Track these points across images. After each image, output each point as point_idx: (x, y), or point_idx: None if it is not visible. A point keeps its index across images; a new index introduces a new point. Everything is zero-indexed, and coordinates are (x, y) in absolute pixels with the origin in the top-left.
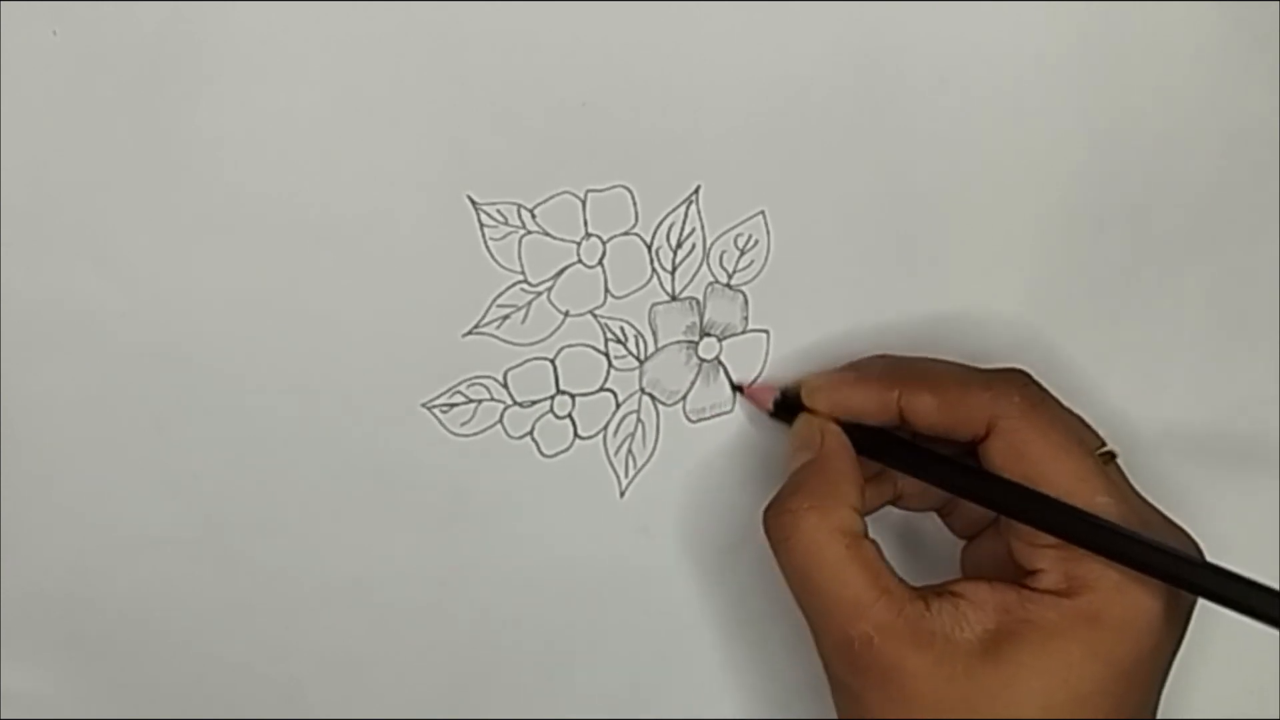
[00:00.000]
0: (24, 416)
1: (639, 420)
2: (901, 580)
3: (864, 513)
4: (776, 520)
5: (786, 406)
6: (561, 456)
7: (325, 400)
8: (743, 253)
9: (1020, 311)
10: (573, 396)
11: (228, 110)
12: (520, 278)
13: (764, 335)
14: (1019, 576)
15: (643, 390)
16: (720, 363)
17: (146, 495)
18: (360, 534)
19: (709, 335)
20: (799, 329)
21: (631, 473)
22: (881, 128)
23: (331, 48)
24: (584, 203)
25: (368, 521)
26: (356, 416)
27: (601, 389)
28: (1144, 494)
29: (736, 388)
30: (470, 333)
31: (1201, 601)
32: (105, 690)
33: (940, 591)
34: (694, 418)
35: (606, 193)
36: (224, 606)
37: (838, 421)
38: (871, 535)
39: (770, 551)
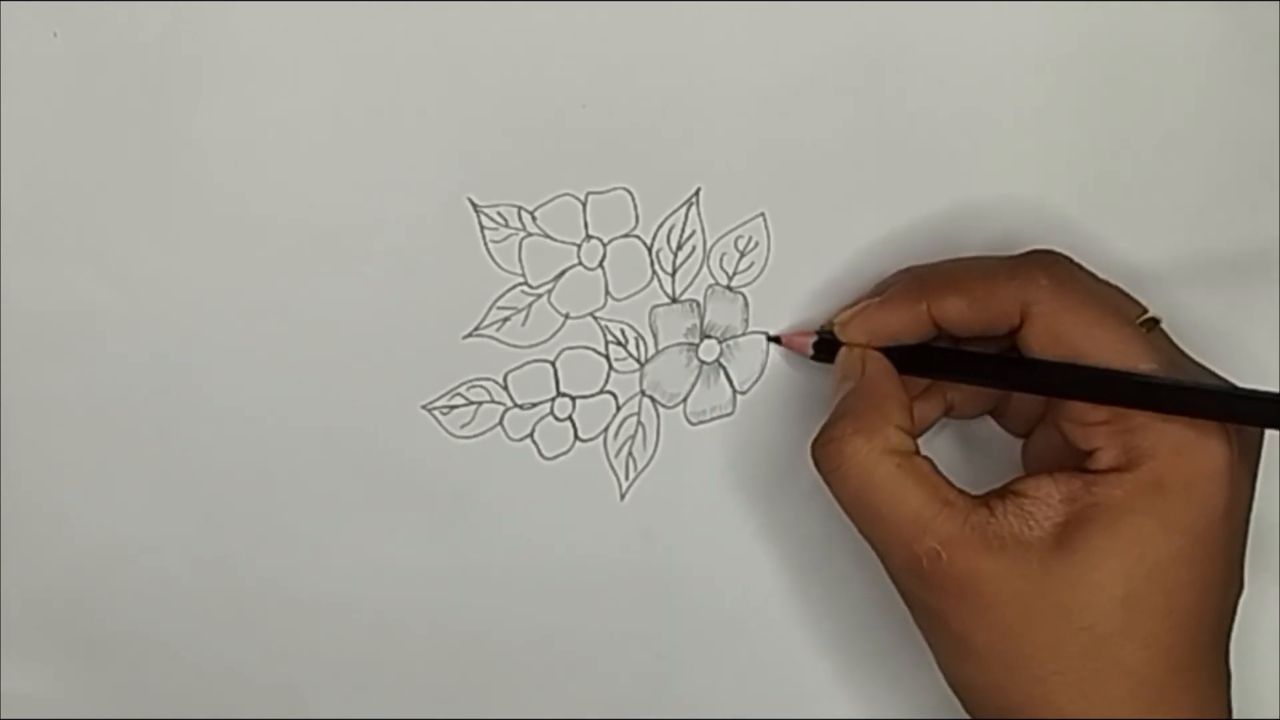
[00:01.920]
0: (24, 419)
1: (639, 423)
2: (961, 490)
3: (915, 431)
4: (824, 450)
5: (825, 346)
6: (562, 459)
7: (325, 402)
8: (743, 255)
9: None
10: (573, 399)
11: (228, 113)
12: (521, 280)
13: (765, 337)
14: (1079, 461)
15: (643, 393)
16: (721, 365)
17: (146, 498)
18: (360, 536)
19: (709, 337)
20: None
21: (632, 475)
22: (881, 130)
23: (332, 51)
24: (584, 205)
25: (368, 523)
26: (357, 418)
27: (602, 391)
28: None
29: (774, 339)
30: (471, 335)
31: None
32: (105, 692)
33: (1003, 494)
34: (695, 420)
35: (607, 195)
36: (224, 609)
37: (878, 348)
38: (925, 453)
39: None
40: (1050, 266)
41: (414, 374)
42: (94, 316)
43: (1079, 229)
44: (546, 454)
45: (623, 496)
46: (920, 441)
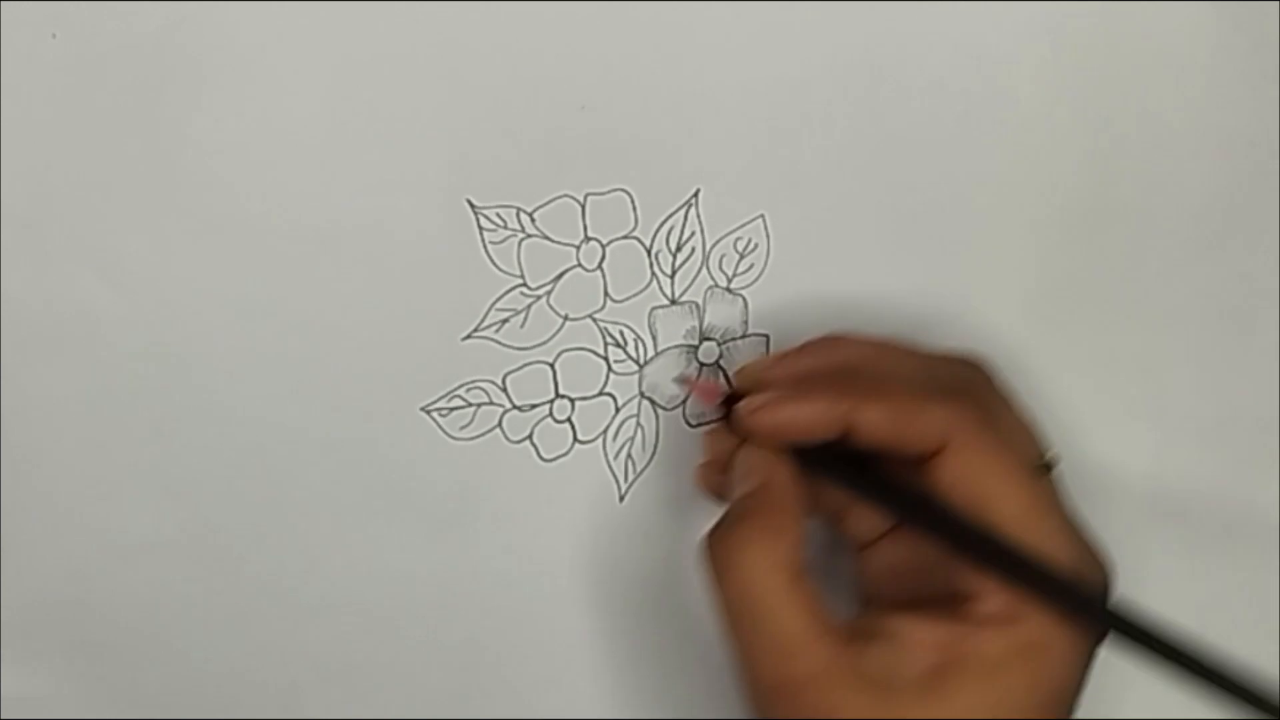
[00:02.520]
0: (24, 421)
1: (639, 424)
2: (838, 621)
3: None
4: (718, 549)
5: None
6: (561, 460)
7: (324, 404)
8: (742, 256)
9: (1020, 314)
10: (572, 400)
11: (227, 114)
12: (519, 281)
13: (764, 339)
14: (943, 591)
15: (642, 394)
16: (720, 367)
17: (146, 500)
18: (359, 537)
19: (709, 339)
20: (799, 333)
21: (631, 477)
22: (881, 131)
23: (331, 52)
24: (583, 206)
25: (367, 525)
26: (356, 420)
27: (601, 393)
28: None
29: (682, 381)
30: (469, 336)
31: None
32: (105, 693)
33: (875, 630)
34: (694, 422)
35: (606, 196)
36: (223, 610)
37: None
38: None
39: None
40: (980, 403)
41: (413, 375)
42: (93, 316)
43: (1079, 229)
44: (545, 455)
45: (622, 498)
46: None
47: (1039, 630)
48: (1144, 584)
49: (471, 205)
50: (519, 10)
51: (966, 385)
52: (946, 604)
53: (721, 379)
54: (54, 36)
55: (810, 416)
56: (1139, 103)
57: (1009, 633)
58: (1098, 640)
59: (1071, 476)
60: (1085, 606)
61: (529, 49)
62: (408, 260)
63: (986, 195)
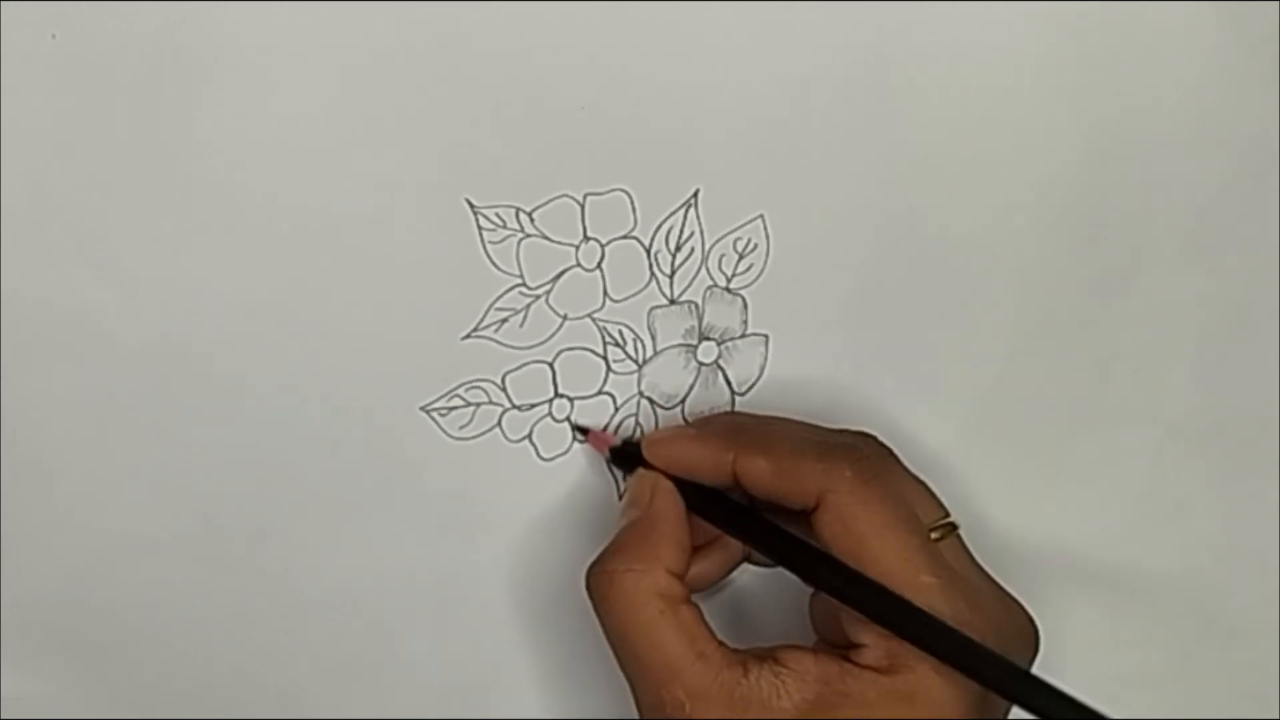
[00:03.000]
0: (24, 419)
1: (638, 424)
2: (722, 645)
3: (704, 582)
4: (595, 580)
5: (626, 456)
6: (560, 460)
7: (324, 403)
8: (742, 256)
9: (1020, 314)
10: (571, 400)
11: (226, 113)
12: (519, 281)
13: (763, 339)
14: (845, 645)
15: (641, 394)
16: (719, 366)
17: (146, 499)
18: (359, 536)
19: (708, 339)
20: (798, 333)
21: (630, 476)
22: (880, 131)
23: (330, 51)
24: (582, 206)
25: (367, 524)
26: (355, 419)
27: (600, 392)
28: (986, 567)
29: (580, 430)
30: (469, 336)
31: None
32: (105, 693)
33: (764, 657)
34: (693, 421)
35: (605, 196)
36: (223, 609)
37: (677, 479)
38: (694, 600)
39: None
40: (857, 461)
41: (412, 375)
42: (94, 316)
43: (1078, 229)
44: (544, 455)
45: (621, 497)
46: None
47: (915, 681)
48: (1144, 584)
49: (471, 205)
50: (519, 10)
51: (848, 448)
52: (843, 650)
53: (611, 408)
54: (54, 37)
55: (701, 456)
56: (1139, 102)
57: (885, 680)
58: (994, 702)
59: (1071, 475)
60: (944, 651)
61: (529, 49)
62: (407, 260)
63: (986, 194)
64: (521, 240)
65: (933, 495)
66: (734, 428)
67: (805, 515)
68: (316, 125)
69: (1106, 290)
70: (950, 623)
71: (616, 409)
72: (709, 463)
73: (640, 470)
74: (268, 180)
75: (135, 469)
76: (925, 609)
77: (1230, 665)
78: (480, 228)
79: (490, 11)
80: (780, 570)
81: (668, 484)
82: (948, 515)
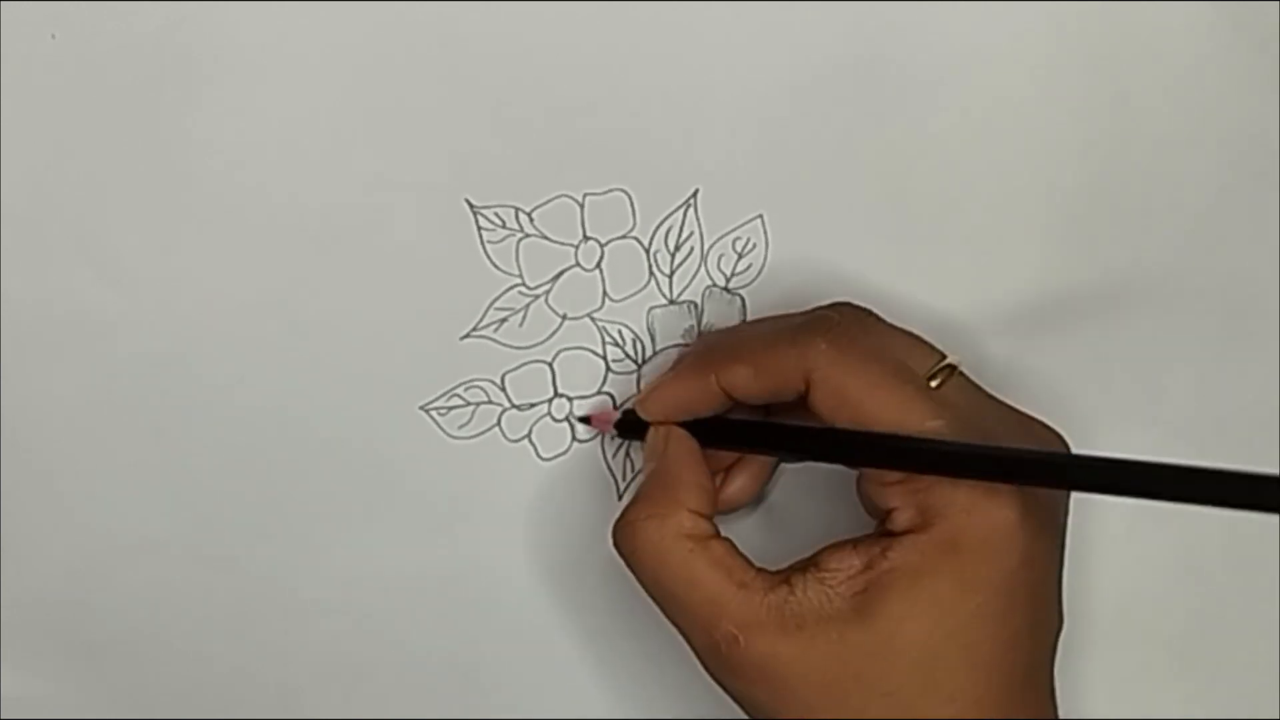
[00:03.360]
0: (23, 421)
1: None
2: (761, 570)
3: (712, 511)
4: (621, 534)
5: (632, 426)
6: (559, 459)
7: (323, 403)
8: (741, 256)
9: (1020, 314)
10: (571, 399)
11: (226, 114)
12: (518, 281)
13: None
14: (881, 519)
15: (617, 406)
16: None
17: (145, 499)
18: (358, 536)
19: None
20: None
21: (630, 476)
22: (880, 131)
23: (330, 52)
24: (582, 206)
25: (366, 524)
26: (355, 419)
27: (599, 392)
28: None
29: (582, 420)
30: (468, 335)
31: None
32: (105, 693)
33: (805, 567)
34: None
35: (604, 196)
36: (222, 610)
37: (683, 424)
38: (725, 534)
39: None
40: (831, 330)
41: (412, 374)
42: (94, 317)
43: (1078, 229)
44: (544, 454)
45: (620, 497)
46: (777, 485)
47: (952, 528)
48: (1143, 583)
49: (470, 205)
50: (519, 10)
51: (819, 322)
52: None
53: (610, 405)
54: (53, 37)
55: (686, 391)
56: (1139, 102)
57: (923, 538)
58: (1038, 514)
59: None
60: (984, 466)
61: (529, 49)
62: (407, 260)
63: (986, 195)
64: (521, 240)
65: (923, 342)
66: (705, 349)
67: (803, 403)
68: (316, 125)
69: (1106, 290)
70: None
71: (616, 409)
72: (696, 394)
73: (652, 427)
74: (267, 180)
75: (135, 469)
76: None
77: (1230, 665)
78: (480, 227)
79: (490, 11)
80: (804, 476)
81: (679, 430)
82: (944, 358)
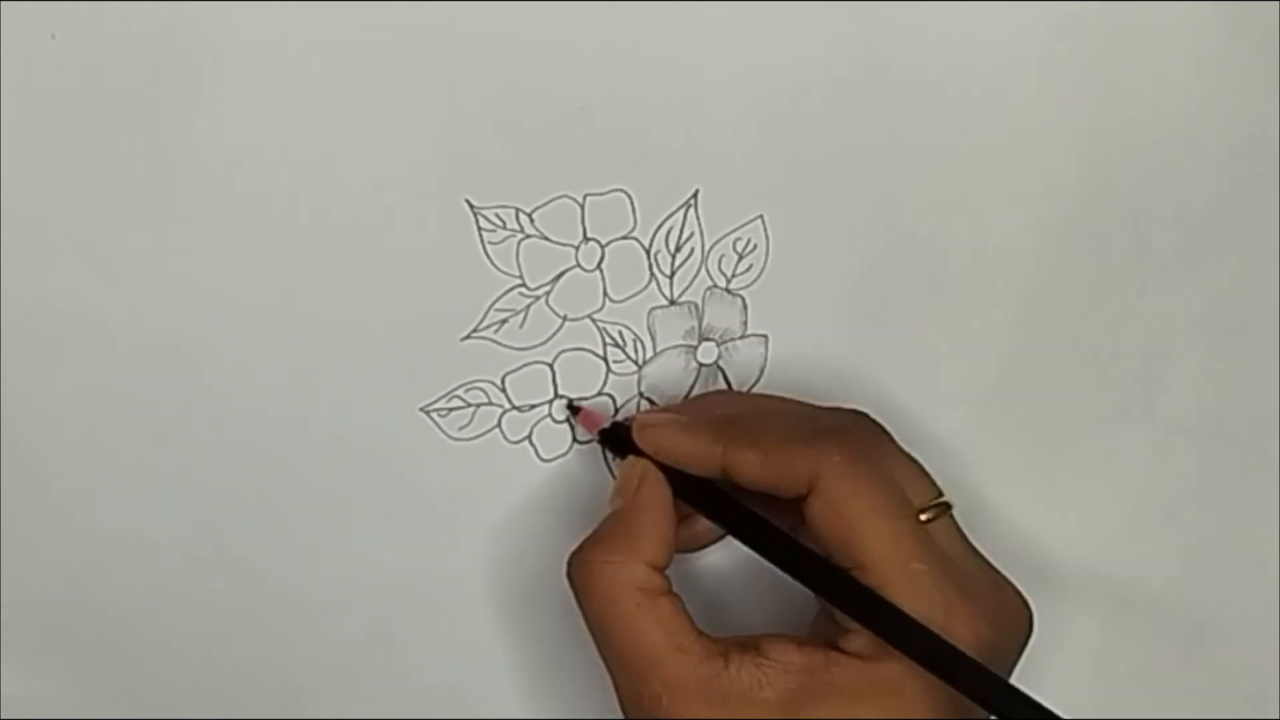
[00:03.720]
0: (23, 420)
1: None
2: (704, 636)
3: (693, 544)
4: (575, 570)
5: (616, 439)
6: (560, 461)
7: (323, 404)
8: (741, 257)
9: (1019, 314)
10: (571, 400)
11: (227, 114)
12: (518, 282)
13: (763, 340)
14: (834, 630)
15: (641, 395)
16: (719, 367)
17: (145, 499)
18: (358, 537)
19: (708, 340)
20: (798, 333)
21: None
22: (880, 132)
23: (330, 52)
24: (582, 207)
25: (366, 524)
26: (355, 420)
27: (600, 393)
28: (979, 548)
29: (573, 408)
30: (468, 337)
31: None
32: (105, 693)
33: (746, 646)
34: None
35: (605, 196)
36: (222, 610)
37: (665, 465)
38: (675, 590)
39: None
40: (848, 444)
41: (412, 376)
42: (94, 316)
43: (1079, 229)
44: (544, 456)
45: None
46: None
47: (896, 671)
48: (1143, 584)
49: (470, 205)
50: (518, 10)
51: (837, 432)
52: (830, 638)
53: (611, 409)
54: (53, 37)
55: (690, 449)
56: (1139, 103)
57: (867, 669)
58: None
59: (1070, 476)
60: (921, 653)
61: (528, 49)
62: (407, 260)
63: (986, 195)
64: (521, 241)
65: (925, 475)
66: (724, 419)
67: (798, 502)
68: (316, 125)
69: (1106, 290)
70: (940, 614)
71: (616, 410)
72: (698, 456)
73: (630, 458)
74: (267, 180)
75: (135, 469)
76: (914, 598)
77: (1230, 665)
78: (480, 228)
79: (490, 11)
80: None
81: (656, 474)
82: (940, 495)
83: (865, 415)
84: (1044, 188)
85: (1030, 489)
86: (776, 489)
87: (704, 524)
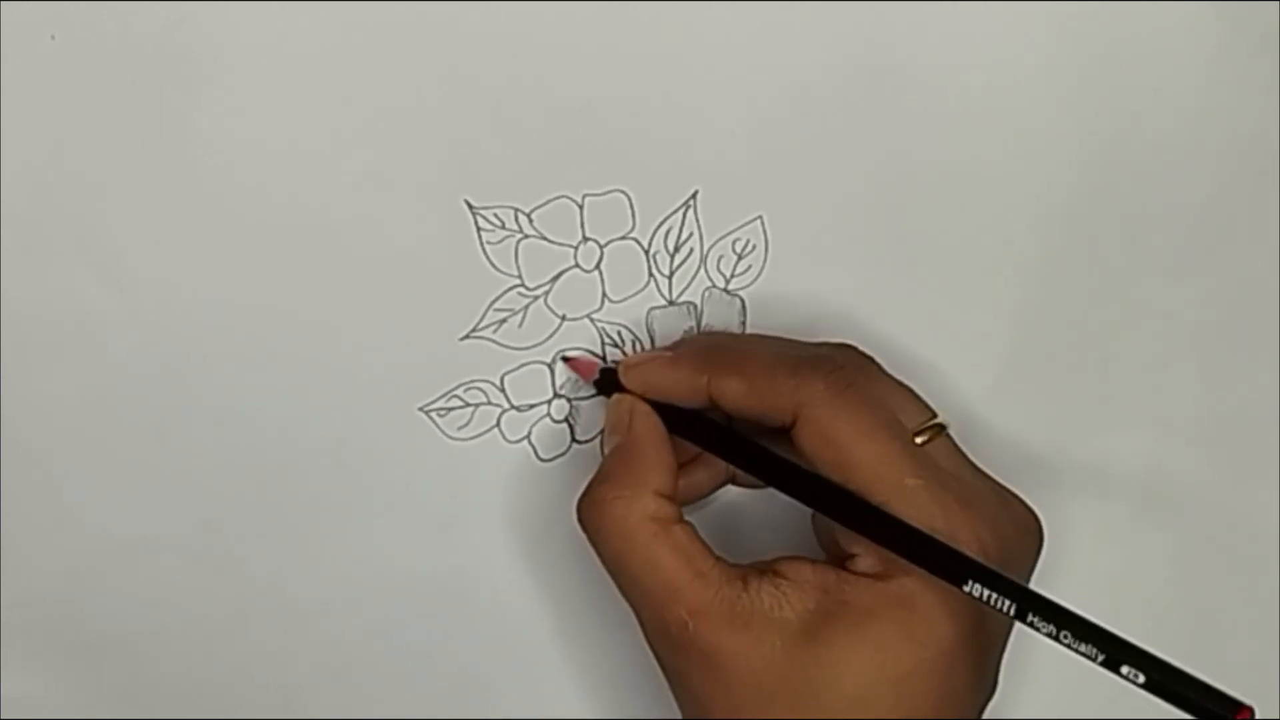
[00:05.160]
0: (24, 421)
1: None
2: (720, 560)
3: (676, 495)
4: (586, 511)
5: (608, 384)
6: (559, 461)
7: (323, 404)
8: (740, 257)
9: (1019, 316)
10: (570, 401)
11: (226, 114)
12: (517, 282)
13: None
14: (845, 555)
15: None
16: None
17: (145, 500)
18: (358, 537)
19: None
20: (797, 334)
21: None
22: (879, 132)
23: (329, 51)
24: (581, 207)
25: (365, 524)
26: (354, 420)
27: (599, 393)
28: (981, 464)
29: (563, 358)
30: (468, 336)
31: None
32: (105, 692)
33: (763, 570)
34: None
35: (604, 197)
36: (222, 610)
37: (654, 402)
38: (688, 518)
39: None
40: (831, 371)
41: (411, 376)
42: (93, 317)
43: (1078, 229)
44: (543, 455)
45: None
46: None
47: (911, 586)
48: (1142, 584)
49: (470, 206)
50: (518, 10)
51: (822, 360)
52: (839, 563)
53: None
54: (53, 37)
55: (676, 380)
56: (1139, 103)
57: (879, 587)
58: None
59: (1071, 476)
60: (926, 561)
61: (528, 49)
62: (406, 260)
63: (986, 195)
64: (520, 241)
65: (918, 399)
66: (708, 348)
67: (785, 431)
68: (316, 125)
69: (1106, 290)
70: (940, 523)
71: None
72: (684, 386)
73: (615, 396)
74: (267, 180)
75: (135, 469)
76: (911, 512)
77: (1230, 664)
78: (479, 228)
79: (490, 11)
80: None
81: (644, 407)
82: (934, 416)
83: (852, 347)
84: (1043, 188)
85: (1030, 488)
86: (763, 417)
87: (702, 474)
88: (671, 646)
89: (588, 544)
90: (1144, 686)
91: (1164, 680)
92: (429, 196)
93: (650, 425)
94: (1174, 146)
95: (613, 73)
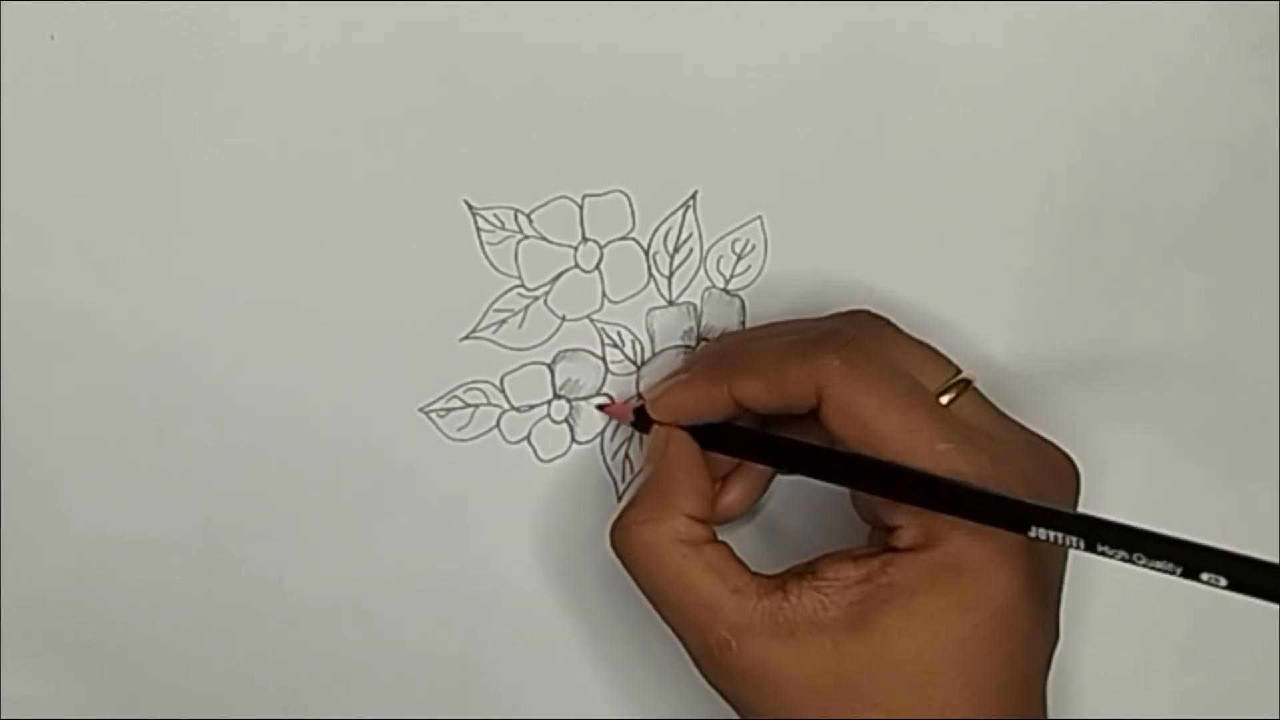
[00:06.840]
0: (24, 421)
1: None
2: (756, 574)
3: (735, 510)
4: (617, 536)
5: (645, 418)
6: (558, 461)
7: (323, 405)
8: (740, 257)
9: (1019, 315)
10: (570, 401)
11: (226, 115)
12: (517, 282)
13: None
14: (884, 531)
15: (640, 395)
16: None
17: (145, 500)
18: (358, 537)
19: (706, 340)
20: None
21: (629, 477)
22: (879, 132)
23: (329, 53)
24: (581, 207)
25: (365, 525)
26: (354, 420)
27: (598, 394)
28: (1013, 413)
29: (598, 406)
30: (467, 337)
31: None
32: (105, 693)
33: (802, 574)
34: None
35: (604, 197)
36: (222, 611)
37: (687, 425)
38: (721, 538)
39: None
40: (844, 345)
41: (411, 376)
42: (93, 317)
43: (1078, 229)
44: (543, 456)
45: (619, 498)
46: (774, 496)
47: (955, 549)
48: (1142, 584)
49: (469, 206)
50: (518, 10)
51: (832, 336)
52: (883, 533)
53: (635, 398)
54: (53, 37)
55: (698, 398)
56: (1139, 103)
57: (924, 557)
58: (1034, 546)
59: None
60: (980, 508)
61: (528, 50)
62: (406, 261)
63: (985, 196)
64: (520, 241)
65: (939, 356)
66: (719, 356)
67: (814, 415)
68: (316, 126)
69: (1106, 290)
70: (974, 482)
71: (633, 401)
72: (707, 402)
73: (655, 427)
74: (267, 181)
75: (135, 470)
76: (944, 473)
77: (1230, 665)
78: (479, 229)
79: (490, 11)
80: (801, 487)
81: (680, 433)
82: (959, 372)
83: (865, 312)
84: (1044, 188)
85: None
86: (788, 407)
87: (737, 492)
88: (718, 670)
89: (588, 544)
90: (1228, 588)
91: (1251, 578)
92: (429, 197)
93: (683, 450)
94: (1174, 146)
95: (613, 73)
